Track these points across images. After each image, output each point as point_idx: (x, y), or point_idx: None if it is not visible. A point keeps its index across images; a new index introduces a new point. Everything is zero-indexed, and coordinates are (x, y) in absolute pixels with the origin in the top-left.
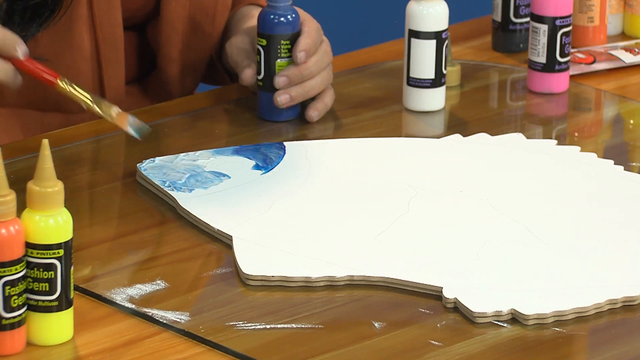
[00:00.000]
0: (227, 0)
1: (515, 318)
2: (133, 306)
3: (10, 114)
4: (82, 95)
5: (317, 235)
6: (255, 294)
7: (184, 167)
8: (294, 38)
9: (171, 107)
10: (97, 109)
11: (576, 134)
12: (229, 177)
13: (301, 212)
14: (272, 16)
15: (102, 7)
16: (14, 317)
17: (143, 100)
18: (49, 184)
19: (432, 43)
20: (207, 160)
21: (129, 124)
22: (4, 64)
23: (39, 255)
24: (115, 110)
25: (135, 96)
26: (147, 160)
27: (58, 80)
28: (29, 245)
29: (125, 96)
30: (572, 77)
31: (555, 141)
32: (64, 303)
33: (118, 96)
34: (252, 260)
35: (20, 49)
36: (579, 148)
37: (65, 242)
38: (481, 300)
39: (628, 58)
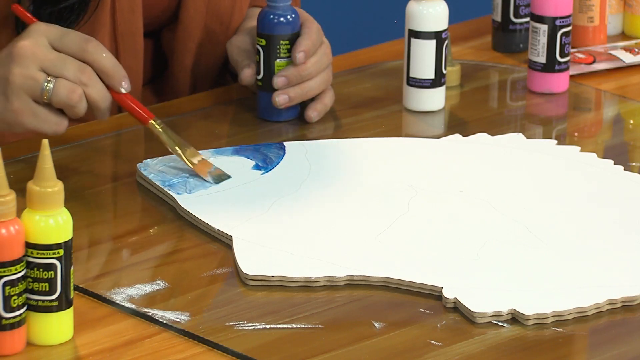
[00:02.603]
0: (242, 10)
1: (515, 318)
2: (133, 306)
3: None
4: (170, 139)
5: (317, 235)
6: (255, 294)
7: (184, 167)
8: (294, 38)
9: (172, 107)
10: (180, 154)
11: (576, 134)
12: (229, 177)
13: (301, 212)
14: (271, 16)
15: (125, 16)
16: (14, 317)
17: (154, 102)
18: (49, 184)
19: (432, 43)
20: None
21: (209, 172)
22: (107, 93)
23: (39, 255)
24: (197, 159)
25: (146, 99)
26: (147, 160)
27: (152, 121)
28: (29, 245)
29: (140, 99)
30: (572, 77)
31: (555, 141)
32: (64, 303)
33: (135, 103)
34: (252, 260)
35: (126, 85)
36: (579, 148)
37: (65, 242)
38: (481, 300)
39: (628, 58)
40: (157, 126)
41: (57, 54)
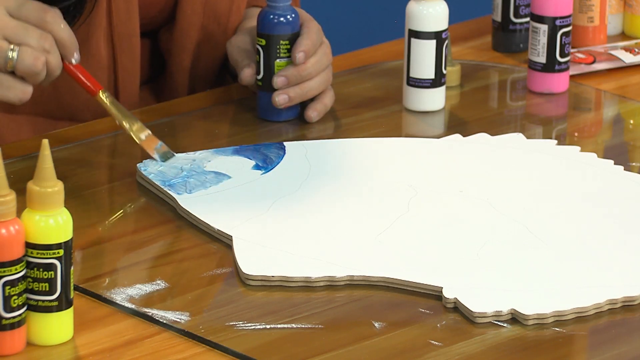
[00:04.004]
0: (240, 10)
1: (515, 318)
2: (133, 306)
3: (24, 121)
4: (118, 112)
5: (317, 235)
6: (255, 294)
7: (184, 167)
8: (294, 38)
9: (171, 107)
10: (128, 129)
11: (576, 134)
12: (229, 177)
13: (301, 212)
14: (271, 16)
15: (121, 17)
16: (14, 317)
17: (152, 103)
18: (49, 184)
19: (432, 43)
20: (207, 160)
21: (155, 149)
22: (59, 61)
23: (39, 255)
24: (145, 134)
25: (145, 99)
26: (147, 160)
27: (100, 92)
28: (29, 245)
29: (138, 100)
30: (572, 77)
31: (555, 141)
32: (64, 303)
33: (131, 102)
34: (252, 260)
35: (77, 55)
36: (579, 148)
37: (65, 242)
38: (481, 300)
39: (628, 58)
40: (105, 99)
41: (17, 22)
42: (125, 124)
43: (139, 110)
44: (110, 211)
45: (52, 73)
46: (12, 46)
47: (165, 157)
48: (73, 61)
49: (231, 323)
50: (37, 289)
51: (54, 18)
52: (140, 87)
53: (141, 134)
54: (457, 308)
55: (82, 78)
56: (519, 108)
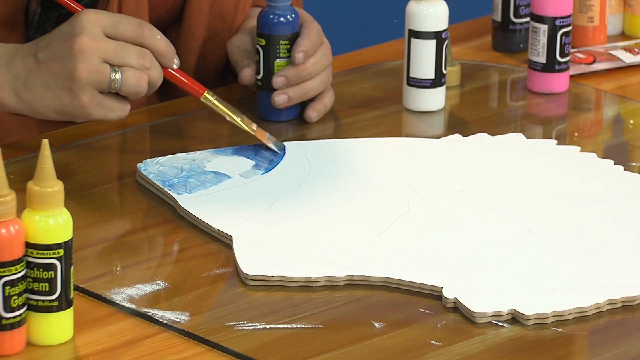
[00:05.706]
0: (245, 9)
1: (515, 318)
2: (133, 306)
3: (35, 121)
4: (226, 108)
5: (317, 235)
6: (255, 294)
7: (184, 167)
8: (293, 38)
9: (173, 107)
10: (240, 123)
11: (576, 134)
12: (229, 177)
13: (301, 211)
14: (271, 16)
15: None
16: (14, 317)
17: (158, 102)
18: (49, 184)
19: (432, 43)
20: (207, 160)
21: (269, 139)
22: (160, 72)
23: (39, 255)
24: (254, 126)
25: (151, 99)
26: (147, 160)
27: (205, 93)
28: (29, 245)
29: (145, 100)
30: (572, 77)
31: (555, 141)
32: (64, 303)
33: (138, 101)
34: (252, 260)
35: (177, 61)
36: (579, 148)
37: (65, 242)
38: (481, 300)
39: (628, 58)
40: (210, 98)
41: (116, 43)
42: (236, 119)
43: (141, 110)
44: (111, 211)
45: (154, 85)
46: (114, 68)
47: (278, 146)
48: (174, 66)
49: (231, 323)
50: (37, 289)
51: (151, 31)
52: None
53: (252, 126)
54: (457, 308)
55: (186, 81)
56: (519, 108)
